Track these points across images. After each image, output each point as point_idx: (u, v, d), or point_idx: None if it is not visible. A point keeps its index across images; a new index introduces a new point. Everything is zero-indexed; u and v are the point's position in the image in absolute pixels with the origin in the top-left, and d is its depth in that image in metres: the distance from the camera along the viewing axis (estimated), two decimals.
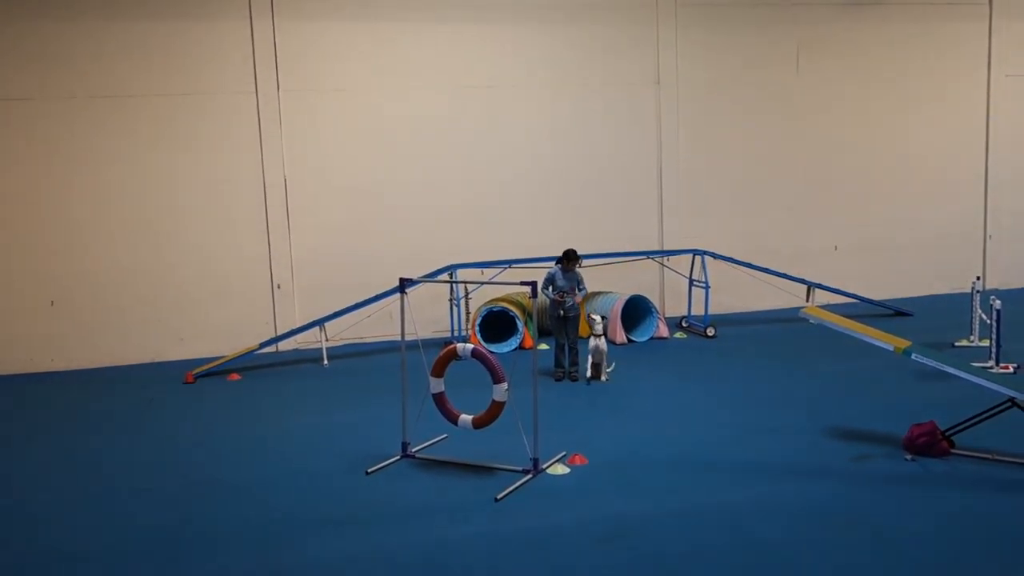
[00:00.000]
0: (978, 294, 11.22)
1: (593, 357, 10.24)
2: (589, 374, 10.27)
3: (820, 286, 13.29)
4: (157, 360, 12.54)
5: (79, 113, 12.11)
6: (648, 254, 13.18)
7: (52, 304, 12.30)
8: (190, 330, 12.65)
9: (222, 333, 12.62)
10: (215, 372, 11.51)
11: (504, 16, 13.23)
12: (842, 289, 13.65)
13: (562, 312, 10.29)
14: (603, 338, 10.25)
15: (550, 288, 10.33)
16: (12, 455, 8.45)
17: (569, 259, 10.24)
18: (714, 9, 14.03)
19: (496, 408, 7.25)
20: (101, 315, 12.41)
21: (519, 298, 12.74)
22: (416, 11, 12.91)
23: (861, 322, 8.08)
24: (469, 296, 12.75)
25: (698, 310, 13.05)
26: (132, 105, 12.24)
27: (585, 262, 12.41)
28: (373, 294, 11.95)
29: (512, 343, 12.19)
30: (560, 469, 7.27)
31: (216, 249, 12.66)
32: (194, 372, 11.36)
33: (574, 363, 10.42)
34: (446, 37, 13.09)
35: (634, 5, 13.71)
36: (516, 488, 6.87)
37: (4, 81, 11.87)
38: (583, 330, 11.07)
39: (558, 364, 10.47)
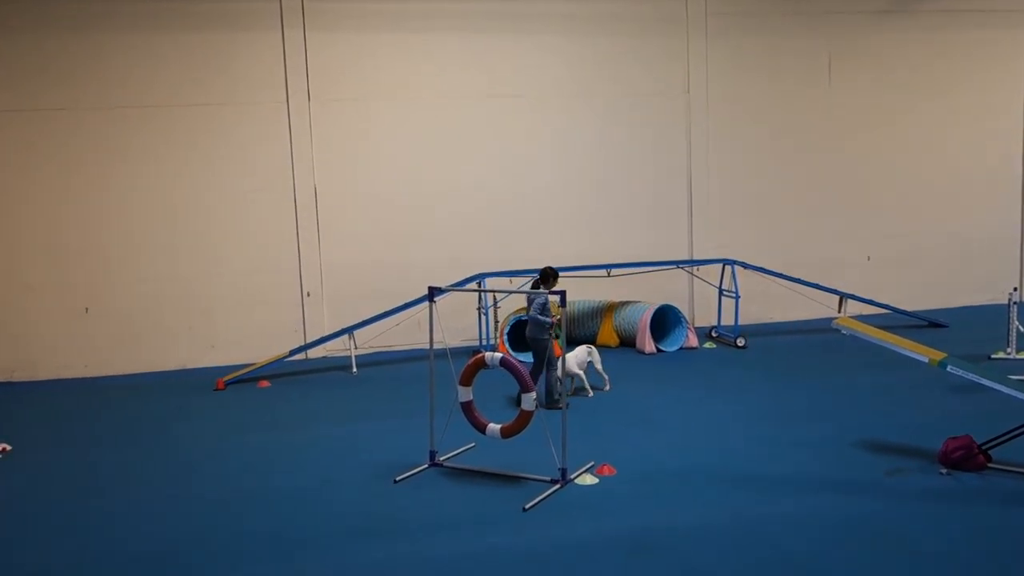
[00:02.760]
0: (1015, 305, 11.02)
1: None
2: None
3: (853, 297, 13.14)
4: (189, 367, 12.66)
5: (113, 123, 12.29)
6: (678, 263, 13.10)
7: (87, 311, 12.47)
8: (221, 337, 12.76)
9: (252, 340, 12.71)
10: (245, 379, 11.60)
11: (534, 26, 13.25)
12: (875, 300, 13.47)
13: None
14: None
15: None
16: (45, 461, 8.55)
17: (550, 278, 9.41)
18: (745, 19, 13.95)
19: (524, 417, 7.23)
20: (134, 322, 12.56)
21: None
22: (446, 21, 12.96)
23: (894, 333, 7.96)
24: (498, 305, 12.74)
25: (728, 320, 12.94)
26: (165, 115, 12.40)
27: (613, 272, 12.42)
28: (402, 302, 11.98)
29: None
30: (588, 480, 7.22)
31: (247, 257, 12.77)
32: (225, 379, 11.45)
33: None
34: (476, 47, 13.13)
35: (664, 15, 13.67)
36: (544, 498, 6.84)
37: (41, 92, 12.08)
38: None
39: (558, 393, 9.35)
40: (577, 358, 9.86)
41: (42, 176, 12.23)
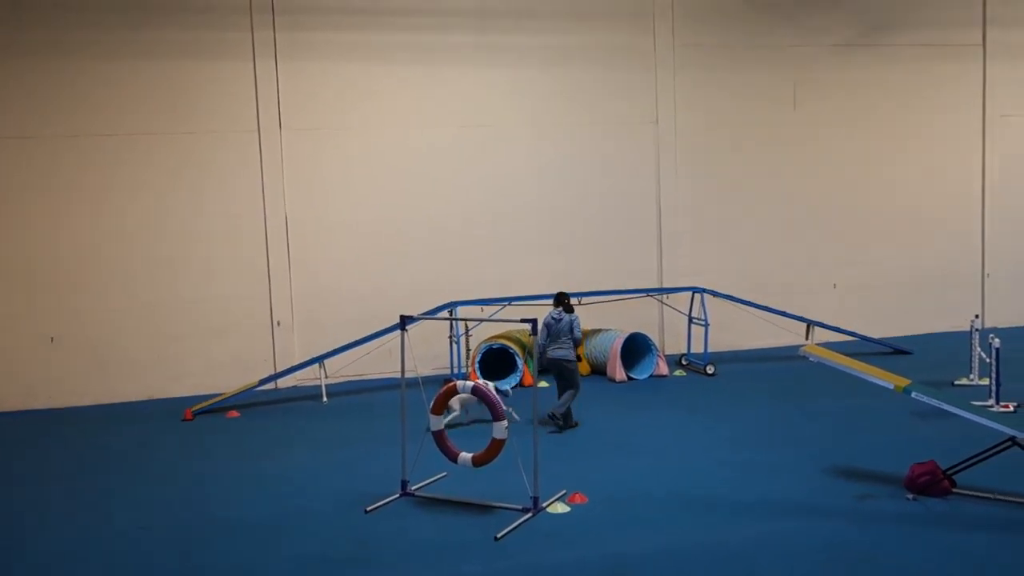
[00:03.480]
0: (977, 333, 11.23)
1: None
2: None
3: (820, 324, 13.31)
4: (156, 397, 12.51)
5: (83, 151, 12.20)
6: (647, 292, 13.21)
7: (52, 340, 12.30)
8: (189, 367, 12.63)
9: (222, 370, 12.60)
10: (214, 409, 11.48)
11: (503, 59, 13.39)
12: (841, 327, 13.66)
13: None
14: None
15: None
16: (8, 493, 8.39)
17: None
18: (711, 50, 14.21)
19: (496, 446, 7.24)
20: (100, 352, 12.40)
21: (519, 335, 12.75)
22: (417, 53, 13.06)
23: (861, 360, 8.08)
24: (469, 333, 12.76)
25: (698, 348, 13.06)
26: (134, 143, 12.34)
27: (584, 300, 12.50)
28: (373, 331, 11.96)
29: (512, 380, 12.18)
30: (560, 508, 7.24)
31: (217, 286, 12.69)
32: (193, 409, 11.33)
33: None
34: (447, 78, 13.23)
35: (632, 46, 13.88)
36: (516, 527, 6.84)
37: (6, 119, 11.97)
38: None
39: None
40: (461, 397, 9.46)
41: (8, 203, 12.09)
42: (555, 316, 9.81)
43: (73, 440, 10.41)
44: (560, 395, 9.87)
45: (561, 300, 9.91)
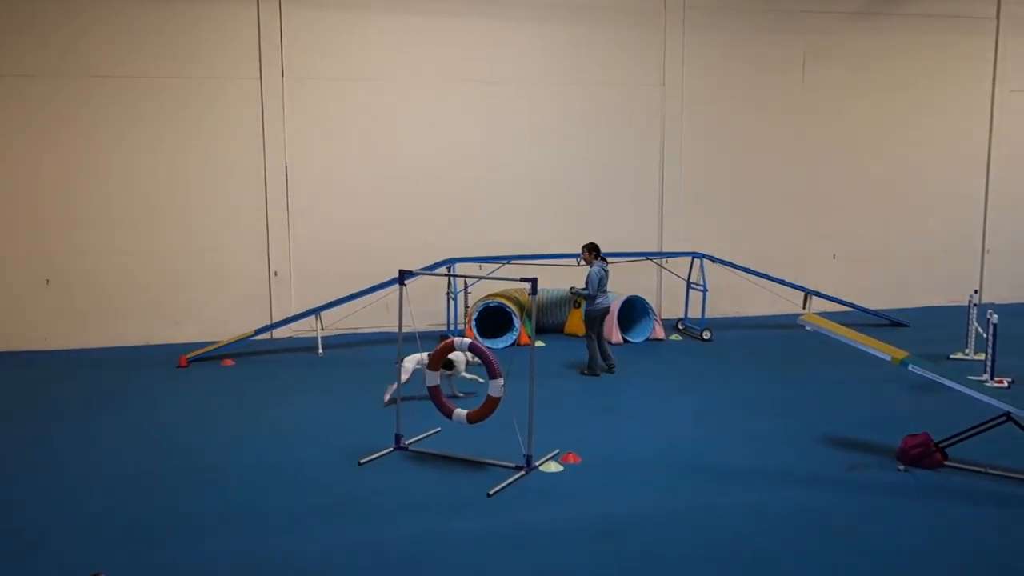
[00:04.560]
0: (975, 308, 11.22)
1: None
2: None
3: (818, 294, 13.31)
4: (151, 343, 12.50)
5: (81, 92, 12.04)
6: (647, 255, 13.16)
7: (47, 283, 12.25)
8: (185, 314, 12.61)
9: (218, 318, 12.59)
10: (209, 357, 11.48)
11: (511, 12, 13.19)
12: (839, 297, 13.66)
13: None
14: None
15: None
16: (1, 433, 8.40)
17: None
18: (722, 13, 14.00)
19: (491, 403, 7.24)
20: (96, 296, 12.36)
21: (516, 294, 12.73)
22: (423, 4, 12.87)
23: (858, 331, 8.07)
24: (468, 291, 12.73)
25: (695, 313, 13.05)
26: (135, 86, 12.18)
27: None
28: (370, 285, 11.92)
29: (508, 339, 12.18)
30: (553, 467, 7.26)
31: (215, 234, 12.62)
32: (188, 356, 11.33)
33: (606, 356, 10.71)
34: (452, 31, 13.05)
35: (642, 7, 13.68)
36: (509, 484, 6.86)
37: (6, 57, 11.80)
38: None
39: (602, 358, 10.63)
40: (412, 360, 9.24)
41: (5, 143, 11.96)
42: (605, 268, 10.42)
43: (65, 383, 10.41)
44: (595, 343, 10.51)
45: (593, 249, 10.52)
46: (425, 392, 7.93)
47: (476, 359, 8.12)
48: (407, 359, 9.09)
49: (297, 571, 5.54)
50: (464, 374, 9.46)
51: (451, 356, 9.08)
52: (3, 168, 11.99)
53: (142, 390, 10.00)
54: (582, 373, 10.56)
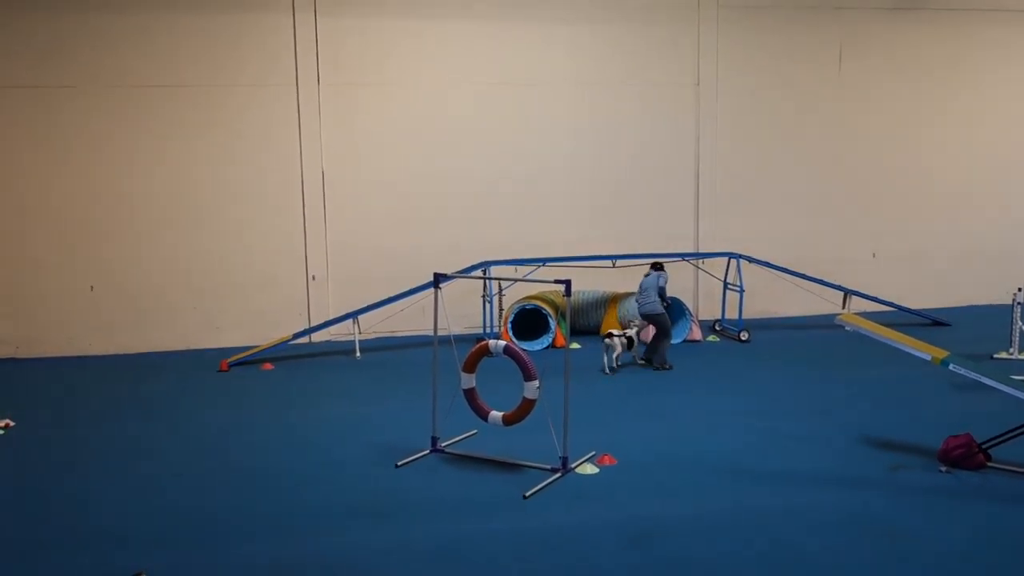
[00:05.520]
0: (1019, 306, 11.02)
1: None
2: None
3: (857, 293, 13.15)
4: (193, 348, 12.71)
5: (122, 102, 12.29)
6: (683, 256, 13.10)
7: (92, 289, 12.51)
8: (226, 319, 12.80)
9: (257, 323, 12.76)
10: (249, 361, 11.64)
11: (544, 14, 13.22)
12: (879, 297, 13.48)
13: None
14: (617, 339, 10.83)
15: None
16: (47, 437, 8.60)
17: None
18: (756, 10, 13.90)
19: (527, 406, 7.26)
20: (139, 302, 12.60)
21: (552, 296, 12.74)
22: (456, 8, 12.94)
23: (898, 331, 7.97)
24: (503, 293, 12.76)
25: (732, 314, 12.96)
26: (177, 95, 12.40)
27: (619, 263, 12.48)
28: (407, 288, 12.01)
29: (544, 341, 12.19)
30: (589, 469, 7.26)
31: (254, 239, 12.80)
32: (229, 360, 11.50)
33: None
34: (486, 34, 13.11)
35: (675, 5, 13.63)
36: (544, 486, 6.87)
37: (50, 70, 12.09)
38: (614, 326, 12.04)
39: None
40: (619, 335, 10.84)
41: (50, 153, 12.25)
42: (645, 274, 11.27)
43: (110, 387, 10.62)
44: (652, 342, 11.23)
45: (654, 264, 11.39)
46: (631, 361, 10.99)
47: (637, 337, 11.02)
48: (616, 335, 10.73)
49: (334, 571, 5.60)
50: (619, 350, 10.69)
51: (615, 334, 10.80)
52: (48, 178, 12.28)
53: (184, 394, 10.18)
54: (656, 368, 11.04)
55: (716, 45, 13.82)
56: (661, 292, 11.09)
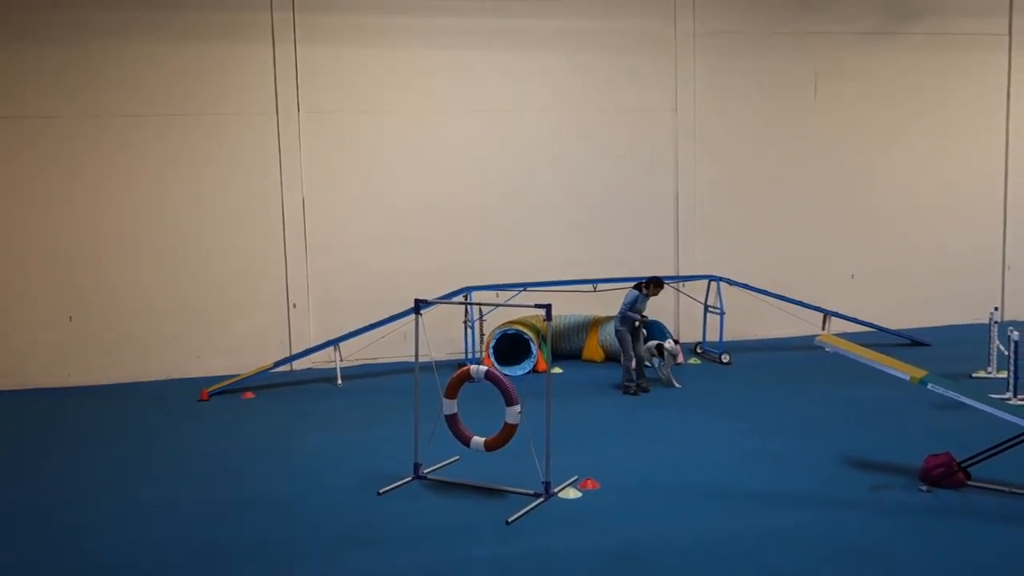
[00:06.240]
0: (996, 325, 11.12)
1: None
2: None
3: (836, 314, 13.23)
4: (173, 377, 12.61)
5: (102, 131, 12.28)
6: (664, 279, 13.13)
7: (70, 319, 12.41)
8: (206, 348, 12.72)
9: (238, 351, 12.69)
10: (230, 390, 11.57)
11: (522, 43, 13.34)
12: (858, 318, 13.58)
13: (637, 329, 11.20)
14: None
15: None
16: (30, 469, 8.50)
17: (658, 286, 11.16)
18: (732, 37, 14.09)
19: (508, 431, 7.25)
20: (118, 331, 12.51)
21: (534, 321, 12.75)
22: (436, 38, 13.04)
23: (877, 351, 8.03)
24: (484, 318, 12.77)
25: (713, 336, 13.01)
26: (154, 124, 12.40)
27: (600, 287, 12.52)
28: (388, 315, 11.99)
29: (526, 366, 12.19)
30: (572, 493, 7.24)
31: (234, 267, 12.76)
32: (209, 389, 11.42)
33: (642, 375, 11.12)
34: (465, 62, 13.21)
35: (652, 33, 13.80)
36: (528, 511, 6.85)
37: (30, 99, 12.06)
38: None
39: (635, 377, 11.00)
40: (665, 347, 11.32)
41: (29, 183, 12.19)
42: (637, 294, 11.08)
43: (92, 418, 10.52)
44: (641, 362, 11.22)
45: (639, 285, 11.17)
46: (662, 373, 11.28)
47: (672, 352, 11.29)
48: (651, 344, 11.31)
49: None
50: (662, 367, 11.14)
51: (662, 345, 11.32)
52: (26, 208, 12.21)
53: (164, 424, 10.09)
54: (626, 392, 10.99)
55: (694, 71, 13.99)
56: (626, 308, 10.95)
